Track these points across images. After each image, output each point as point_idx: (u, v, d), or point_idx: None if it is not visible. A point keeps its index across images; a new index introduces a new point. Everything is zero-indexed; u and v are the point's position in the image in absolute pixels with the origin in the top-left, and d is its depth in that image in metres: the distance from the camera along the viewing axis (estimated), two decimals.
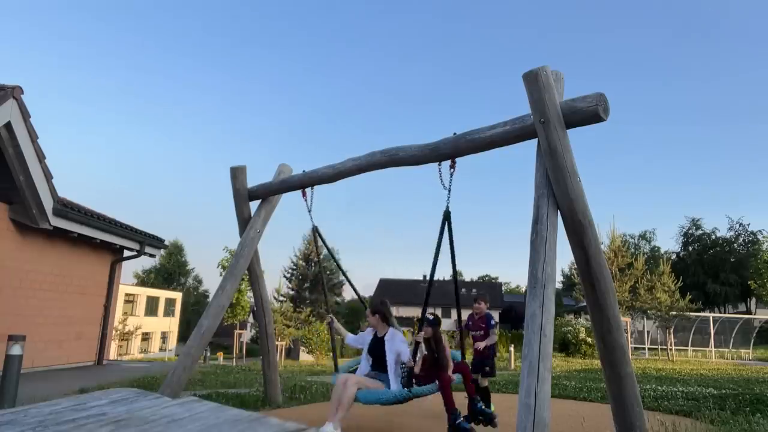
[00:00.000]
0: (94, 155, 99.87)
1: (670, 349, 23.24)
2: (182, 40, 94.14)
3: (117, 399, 1.18)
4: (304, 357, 28.17)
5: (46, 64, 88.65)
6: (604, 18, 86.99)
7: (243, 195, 5.80)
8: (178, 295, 46.82)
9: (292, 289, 47.19)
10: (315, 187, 5.34)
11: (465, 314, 5.63)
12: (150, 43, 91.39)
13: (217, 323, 5.30)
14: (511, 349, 16.12)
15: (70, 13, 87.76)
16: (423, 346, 4.35)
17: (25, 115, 7.62)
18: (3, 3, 72.89)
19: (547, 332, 3.02)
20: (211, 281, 69.09)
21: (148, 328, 39.62)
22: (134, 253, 11.31)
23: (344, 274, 5.62)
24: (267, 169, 6.55)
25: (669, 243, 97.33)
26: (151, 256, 12.19)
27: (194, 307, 55.92)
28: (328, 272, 48.78)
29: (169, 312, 43.58)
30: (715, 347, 26.16)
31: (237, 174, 5.80)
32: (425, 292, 4.16)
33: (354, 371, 4.91)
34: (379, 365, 4.49)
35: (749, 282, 30.74)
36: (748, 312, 44.27)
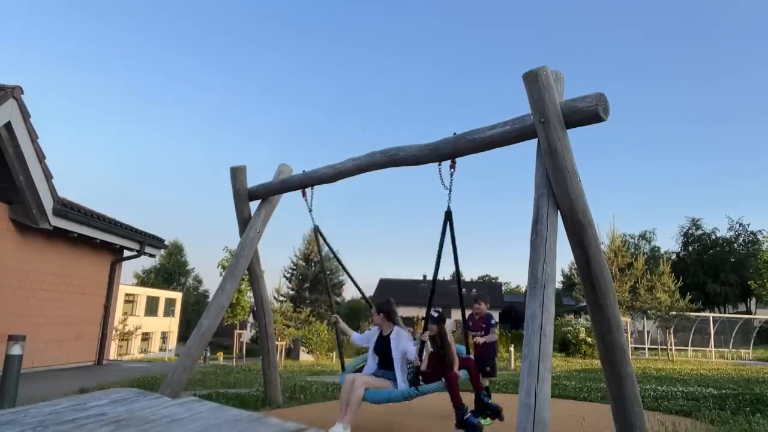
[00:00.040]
0: (94, 155, 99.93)
1: (670, 349, 23.24)
2: (182, 40, 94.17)
3: (117, 399, 1.18)
4: (304, 357, 28.19)
5: (46, 64, 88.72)
6: (603, 18, 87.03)
7: (243, 195, 5.80)
8: (178, 295, 46.83)
9: (292, 289, 47.18)
10: (315, 187, 5.34)
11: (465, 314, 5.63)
12: (150, 43, 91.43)
13: (217, 323, 5.30)
14: (511, 349, 16.12)
15: (70, 13, 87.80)
16: (429, 343, 4.38)
17: (25, 115, 7.62)
18: (3, 3, 72.92)
19: (547, 332, 3.02)
20: (211, 281, 69.16)
21: (148, 328, 39.63)
22: (134, 253, 11.31)
23: (347, 272, 5.59)
24: (267, 169, 6.56)
25: (669, 243, 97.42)
26: (151, 256, 12.19)
27: (194, 307, 55.92)
28: (327, 272, 48.80)
29: (169, 312, 43.59)
30: (715, 347, 26.17)
31: (237, 174, 5.80)
32: (429, 291, 4.18)
33: (360, 369, 4.95)
34: (385, 364, 4.53)
35: (749, 282, 30.76)
36: (748, 312, 44.27)
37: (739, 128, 78.71)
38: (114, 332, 20.78)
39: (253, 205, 5.88)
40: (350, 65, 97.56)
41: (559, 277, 34.30)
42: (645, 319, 26.30)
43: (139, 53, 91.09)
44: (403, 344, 4.43)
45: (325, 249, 5.89)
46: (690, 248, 54.37)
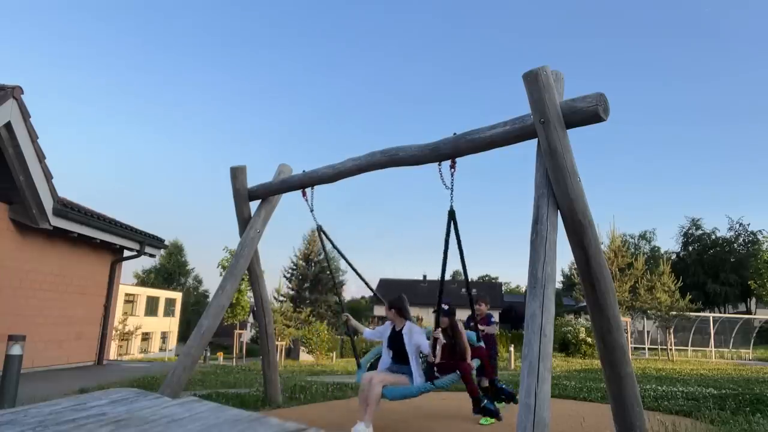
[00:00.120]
0: (94, 155, 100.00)
1: (670, 349, 23.24)
2: (182, 40, 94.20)
3: (117, 399, 1.18)
4: (304, 357, 28.18)
5: (46, 64, 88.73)
6: (603, 18, 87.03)
7: (243, 195, 5.80)
8: (178, 295, 46.83)
9: (292, 289, 47.20)
10: (315, 187, 5.33)
11: (465, 314, 5.63)
12: (150, 43, 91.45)
13: (217, 323, 5.30)
14: (511, 349, 16.12)
15: (70, 13, 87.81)
16: (441, 336, 4.44)
17: (25, 115, 7.62)
18: (3, 3, 72.91)
19: (547, 332, 3.02)
20: (211, 281, 69.19)
21: (148, 328, 39.62)
22: (134, 253, 11.31)
23: (354, 269, 5.56)
24: (267, 169, 6.55)
25: (669, 243, 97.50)
26: (151, 256, 12.19)
27: (194, 307, 55.93)
28: (327, 272, 48.78)
29: (169, 312, 43.59)
30: (715, 347, 26.17)
31: (237, 174, 5.80)
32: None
33: (374, 363, 5.14)
34: (399, 358, 4.64)
35: (749, 282, 30.75)
36: (748, 312, 44.27)
37: (739, 128, 78.78)
38: (114, 332, 20.77)
39: (253, 205, 5.88)
40: (350, 65, 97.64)
41: (559, 277, 34.32)
42: (645, 319, 26.30)
43: (139, 53, 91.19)
44: (416, 339, 4.55)
45: (329, 248, 5.86)
46: (690, 248, 54.37)
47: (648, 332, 28.02)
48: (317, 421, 5.00)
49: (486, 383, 5.10)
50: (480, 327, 5.40)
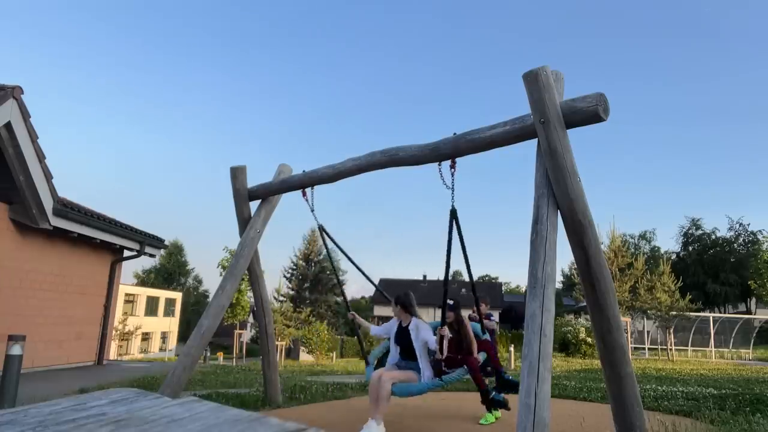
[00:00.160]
0: (94, 155, 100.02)
1: (670, 349, 23.24)
2: (182, 40, 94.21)
3: (117, 399, 1.18)
4: (304, 357, 28.19)
5: (46, 64, 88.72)
6: (603, 18, 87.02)
7: (243, 195, 5.80)
8: (178, 295, 46.82)
9: (292, 289, 47.22)
10: (315, 187, 5.33)
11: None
12: (150, 43, 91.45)
13: (217, 323, 5.30)
14: (511, 349, 16.12)
15: (70, 13, 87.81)
16: (447, 331, 4.49)
17: (25, 115, 7.62)
18: (3, 3, 72.91)
19: (547, 332, 3.02)
20: (211, 281, 69.20)
21: (148, 328, 39.62)
22: (134, 253, 11.31)
23: (357, 267, 5.55)
24: (267, 169, 6.55)
25: (669, 243, 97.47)
26: (151, 256, 12.19)
27: (194, 307, 55.94)
28: (327, 272, 48.79)
29: (169, 312, 43.58)
30: (715, 347, 26.17)
31: (237, 174, 5.80)
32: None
33: (382, 358, 5.24)
34: (407, 354, 4.72)
35: (749, 282, 30.75)
36: (748, 312, 44.26)
37: (739, 128, 78.79)
38: (114, 332, 20.77)
39: (253, 205, 5.87)
40: (350, 65, 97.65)
41: (559, 277, 34.34)
42: (645, 319, 26.30)
43: (139, 53, 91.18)
44: (423, 334, 4.61)
45: (333, 248, 5.82)
46: (690, 248, 54.36)
47: (648, 332, 28.02)
48: (317, 421, 5.00)
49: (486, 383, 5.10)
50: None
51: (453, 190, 4.05)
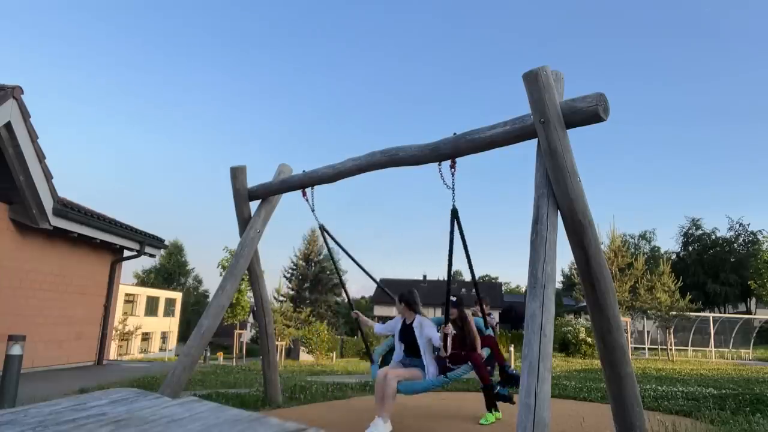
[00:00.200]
0: (94, 155, 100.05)
1: (670, 349, 23.24)
2: (183, 40, 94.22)
3: (117, 399, 1.18)
4: (304, 357, 28.18)
5: (46, 64, 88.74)
6: (603, 18, 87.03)
7: (243, 195, 5.80)
8: (178, 295, 46.82)
9: (292, 289, 47.23)
10: (315, 187, 5.33)
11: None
12: (150, 43, 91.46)
13: (217, 323, 5.30)
14: (511, 349, 16.11)
15: (70, 13, 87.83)
16: (451, 329, 4.51)
17: (25, 115, 7.62)
18: (3, 3, 72.93)
19: (547, 332, 3.02)
20: (211, 281, 69.22)
21: (148, 328, 39.62)
22: (134, 253, 11.31)
23: (359, 265, 5.53)
24: (267, 169, 6.54)
25: (669, 243, 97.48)
26: (151, 256, 12.19)
27: (194, 307, 55.95)
28: (327, 272, 48.81)
29: (169, 312, 43.58)
30: (715, 347, 26.16)
31: (237, 174, 5.80)
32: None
33: (386, 355, 5.29)
34: (411, 351, 4.75)
35: (749, 282, 30.77)
36: (748, 312, 44.27)
37: (739, 128, 78.80)
38: (114, 332, 20.77)
39: (253, 205, 5.87)
40: (350, 65, 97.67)
41: (559, 277, 34.32)
42: (645, 319, 26.30)
43: (139, 53, 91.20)
44: (427, 331, 4.64)
45: (334, 248, 5.81)
46: (690, 248, 54.38)
47: (648, 332, 28.02)
48: (317, 421, 5.00)
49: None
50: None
51: (453, 190, 4.06)
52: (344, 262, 47.48)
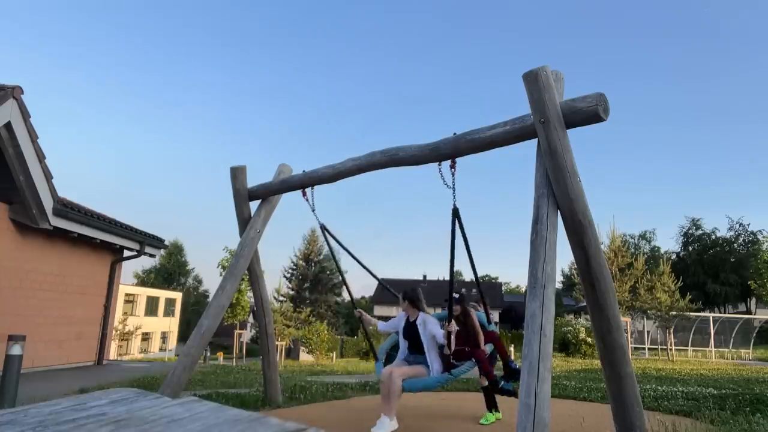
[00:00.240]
0: (94, 155, 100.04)
1: (670, 349, 23.23)
2: (182, 40, 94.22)
3: (117, 399, 1.18)
4: (304, 357, 28.17)
5: (46, 64, 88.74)
6: (603, 18, 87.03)
7: (243, 195, 5.80)
8: (178, 295, 46.82)
9: (292, 289, 47.23)
10: (315, 187, 5.33)
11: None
12: (150, 43, 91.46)
13: (217, 323, 5.30)
14: (511, 349, 16.12)
15: (71, 13, 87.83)
16: (454, 326, 4.54)
17: (25, 115, 7.62)
18: (3, 3, 72.94)
19: (547, 332, 3.02)
20: (211, 281, 69.22)
21: (148, 328, 39.62)
22: (134, 253, 11.31)
23: (361, 264, 5.52)
24: (267, 169, 6.54)
25: (669, 243, 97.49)
26: (151, 256, 12.19)
27: (194, 307, 55.95)
28: (327, 272, 48.81)
29: (169, 312, 43.58)
30: (715, 347, 26.16)
31: (237, 174, 5.80)
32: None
33: (391, 351, 5.36)
34: (415, 348, 4.80)
35: (749, 282, 30.77)
36: (748, 312, 44.28)
37: (739, 128, 78.79)
38: (114, 332, 20.77)
39: (253, 205, 5.87)
40: (350, 65, 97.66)
41: (559, 277, 34.32)
42: (645, 319, 26.29)
43: (139, 53, 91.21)
44: (430, 328, 4.69)
45: (335, 247, 5.80)
46: (690, 248, 54.38)
47: (648, 332, 28.02)
48: (317, 421, 5.00)
49: (486, 383, 5.12)
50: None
51: (454, 190, 4.07)
52: (344, 262, 47.49)
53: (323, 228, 5.49)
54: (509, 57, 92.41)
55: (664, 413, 5.51)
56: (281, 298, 40.16)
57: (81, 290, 10.06)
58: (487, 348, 4.80)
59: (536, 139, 3.43)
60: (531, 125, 3.43)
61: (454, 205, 4.11)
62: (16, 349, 5.11)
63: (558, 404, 5.78)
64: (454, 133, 3.98)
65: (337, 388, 7.30)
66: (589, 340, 22.84)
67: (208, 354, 24.26)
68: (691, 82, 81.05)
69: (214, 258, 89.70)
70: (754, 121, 76.31)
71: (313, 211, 5.41)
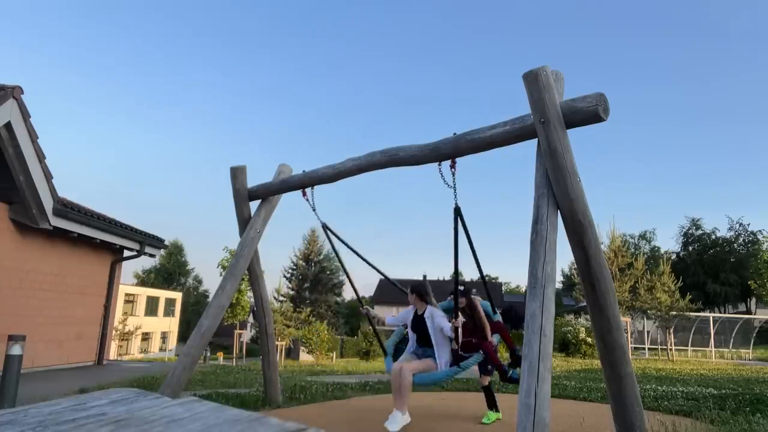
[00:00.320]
0: (94, 155, 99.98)
1: (670, 349, 23.23)
2: (182, 40, 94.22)
3: (117, 399, 1.18)
4: (304, 357, 28.19)
5: (46, 64, 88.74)
6: (603, 18, 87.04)
7: (243, 195, 5.80)
8: (178, 295, 46.82)
9: (292, 289, 47.24)
10: (315, 187, 5.33)
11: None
12: (150, 43, 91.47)
13: (217, 323, 5.30)
14: None
15: (71, 13, 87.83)
16: (461, 320, 4.56)
17: (25, 115, 7.62)
18: (3, 3, 72.95)
19: (547, 332, 3.02)
20: (211, 281, 69.22)
21: (148, 328, 39.62)
22: (134, 253, 11.31)
23: (365, 260, 5.53)
24: (267, 169, 6.55)
25: (669, 243, 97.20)
26: (151, 256, 12.19)
27: (194, 307, 55.94)
28: (327, 272, 48.82)
29: (169, 312, 43.58)
30: (715, 347, 26.16)
31: (237, 174, 5.80)
32: (453, 284, 4.59)
33: (399, 344, 5.44)
34: (423, 341, 4.88)
35: (749, 282, 30.77)
36: (748, 312, 44.28)
37: (739, 128, 78.76)
38: (114, 332, 20.77)
39: (253, 205, 5.87)
40: (350, 65, 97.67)
41: (559, 277, 34.31)
42: (645, 319, 26.29)
43: (138, 53, 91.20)
44: (437, 321, 4.76)
45: (337, 245, 5.78)
46: (690, 248, 54.38)
47: (648, 332, 28.02)
48: (317, 421, 5.00)
49: (486, 382, 5.12)
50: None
51: (455, 190, 4.08)
52: (345, 262, 47.35)
53: (325, 227, 5.48)
54: (509, 57, 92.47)
55: (664, 413, 5.51)
56: (281, 298, 40.17)
57: (81, 290, 10.06)
58: (494, 339, 4.84)
59: (536, 139, 3.43)
60: (531, 125, 3.43)
61: (456, 204, 4.14)
62: (16, 349, 5.11)
63: (558, 404, 5.78)
64: (454, 133, 3.98)
65: (337, 388, 7.30)
66: (589, 340, 22.82)
67: (208, 354, 24.26)
68: (691, 82, 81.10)
69: (214, 258, 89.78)
70: (754, 121, 76.31)
71: (314, 210, 5.41)
